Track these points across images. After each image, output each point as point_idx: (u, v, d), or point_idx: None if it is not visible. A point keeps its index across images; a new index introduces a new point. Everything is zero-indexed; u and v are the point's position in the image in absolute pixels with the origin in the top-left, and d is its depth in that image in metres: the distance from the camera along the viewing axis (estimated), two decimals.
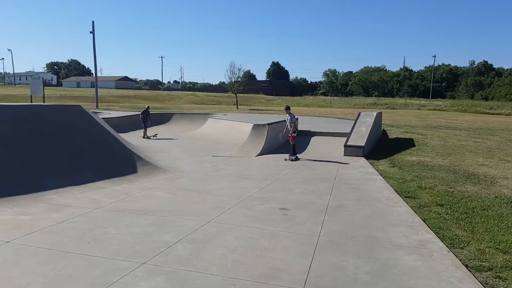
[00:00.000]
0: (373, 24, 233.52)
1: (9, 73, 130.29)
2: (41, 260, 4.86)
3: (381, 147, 16.50)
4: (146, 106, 21.78)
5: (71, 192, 8.15)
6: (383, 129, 21.24)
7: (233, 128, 19.50)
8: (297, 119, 13.96)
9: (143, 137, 19.81)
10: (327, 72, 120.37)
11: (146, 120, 20.24)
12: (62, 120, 10.84)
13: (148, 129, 20.33)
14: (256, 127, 15.56)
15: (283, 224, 6.42)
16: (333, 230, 6.22)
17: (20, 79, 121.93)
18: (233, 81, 51.59)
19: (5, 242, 5.39)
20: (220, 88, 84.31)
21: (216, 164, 12.26)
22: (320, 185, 9.43)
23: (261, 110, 43.96)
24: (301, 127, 20.06)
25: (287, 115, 13.58)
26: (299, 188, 9.06)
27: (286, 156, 13.53)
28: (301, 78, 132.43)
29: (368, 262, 5.03)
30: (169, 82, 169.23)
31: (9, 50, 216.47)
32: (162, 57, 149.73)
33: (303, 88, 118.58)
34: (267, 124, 15.55)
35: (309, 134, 18.79)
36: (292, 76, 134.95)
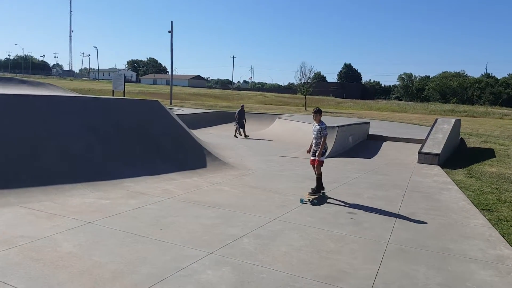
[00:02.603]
0: (453, 28, 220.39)
1: (94, 69, 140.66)
2: (119, 241, 5.21)
3: (458, 156, 15.55)
4: (241, 106, 21.27)
5: (146, 182, 8.62)
6: (461, 138, 20.01)
7: (301, 129, 19.42)
8: (326, 131, 7.97)
9: (236, 136, 19.67)
10: (403, 76, 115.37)
11: (242, 119, 19.99)
12: (141, 113, 11.49)
13: (235, 127, 20.04)
14: None
15: (350, 228, 6.29)
16: (404, 237, 5.97)
17: (103, 75, 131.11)
18: (302, 82, 51.36)
19: (87, 222, 5.85)
20: (289, 89, 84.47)
21: (282, 164, 12.30)
22: (391, 191, 9.10)
23: (330, 112, 43.35)
24: (372, 131, 19.53)
25: (315, 124, 8.06)
26: (368, 193, 8.82)
27: (354, 161, 13.07)
28: (374, 81, 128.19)
29: (439, 273, 4.77)
30: (238, 82, 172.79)
31: (95, 47, 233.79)
32: (233, 57, 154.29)
33: (376, 92, 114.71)
34: (337, 126, 15.30)
35: (381, 139, 18.24)
36: (364, 79, 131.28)
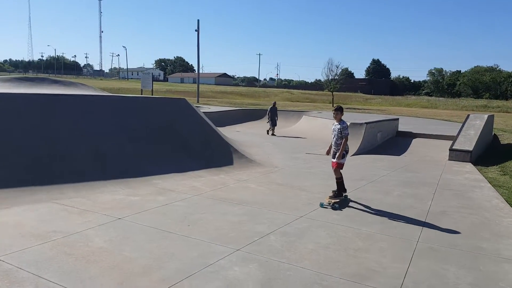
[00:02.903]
0: (485, 21, 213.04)
1: (123, 68, 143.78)
2: (148, 237, 5.30)
3: (491, 153, 15.04)
4: (273, 103, 20.98)
5: (174, 179, 8.74)
6: (494, 134, 19.34)
7: (328, 127, 19.04)
8: (348, 131, 7.32)
9: (268, 133, 19.43)
10: (433, 71, 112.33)
11: (274, 116, 19.67)
12: (169, 112, 11.65)
13: (269, 125, 19.65)
14: (353, 125, 15.14)
15: (379, 226, 6.19)
16: (434, 236, 5.83)
17: (132, 74, 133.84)
18: (329, 78, 50.81)
19: (117, 218, 5.98)
20: (316, 86, 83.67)
21: (309, 161, 12.22)
22: (421, 189, 8.90)
23: (357, 109, 42.76)
24: (402, 127, 19.13)
25: (335, 123, 7.49)
26: (397, 191, 8.65)
27: (382, 158, 12.83)
28: (403, 77, 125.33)
29: (471, 272, 4.64)
30: (265, 79, 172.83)
31: (124, 47, 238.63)
32: (259, 54, 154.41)
33: (405, 87, 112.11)
34: (365, 123, 15.06)
35: (410, 136, 17.86)
36: (393, 75, 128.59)
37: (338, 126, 7.33)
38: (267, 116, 20.08)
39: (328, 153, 7.68)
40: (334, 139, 7.37)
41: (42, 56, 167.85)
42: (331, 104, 49.79)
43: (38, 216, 5.91)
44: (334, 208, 7.00)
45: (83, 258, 4.56)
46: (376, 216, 6.69)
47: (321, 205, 7.14)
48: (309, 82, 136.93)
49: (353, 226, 6.13)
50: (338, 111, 7.37)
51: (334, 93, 52.08)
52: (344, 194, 7.63)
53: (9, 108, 8.37)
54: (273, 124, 19.62)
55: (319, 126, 20.12)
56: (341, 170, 7.43)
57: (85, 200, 6.83)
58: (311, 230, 5.88)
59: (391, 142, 17.14)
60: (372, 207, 7.26)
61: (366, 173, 10.44)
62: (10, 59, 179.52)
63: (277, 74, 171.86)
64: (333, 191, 7.55)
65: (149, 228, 5.63)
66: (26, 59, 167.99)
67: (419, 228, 6.17)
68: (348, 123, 7.69)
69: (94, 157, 8.60)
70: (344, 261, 4.83)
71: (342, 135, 7.24)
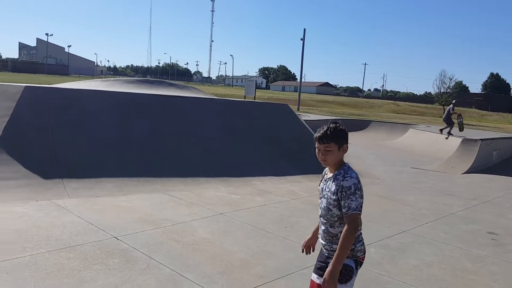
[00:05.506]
0: None
1: (229, 75, 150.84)
2: (246, 234, 5.49)
3: None
4: (452, 102, 20.15)
5: (272, 182, 8.91)
6: None
7: (437, 141, 18.01)
8: (357, 196, 2.58)
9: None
10: None
11: (449, 117, 18.25)
12: (272, 116, 11.93)
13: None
14: (466, 141, 13.99)
15: (491, 249, 5.63)
16: None
17: (236, 81, 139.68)
18: (441, 91, 47.59)
19: (219, 213, 6.29)
20: (425, 98, 78.90)
21: (415, 176, 11.56)
22: None
23: (471, 125, 39.29)
24: None
25: (327, 173, 2.81)
26: None
27: (497, 178, 11.57)
28: None
29: None
30: (369, 90, 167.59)
31: (231, 55, 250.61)
32: (365, 64, 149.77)
33: None
34: (480, 139, 13.81)
35: None
36: None
37: (333, 186, 2.62)
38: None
39: (308, 248, 3.17)
40: (323, 217, 2.73)
41: (158, 63, 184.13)
42: (442, 118, 46.49)
43: (151, 204, 6.48)
44: None
45: (188, 245, 4.88)
46: (488, 238, 6.10)
47: None
48: (418, 94, 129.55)
49: (461, 246, 5.66)
50: (333, 137, 2.64)
51: (445, 107, 48.53)
52: None
53: (132, 106, 9.31)
54: (449, 124, 17.92)
55: (427, 140, 18.94)
56: None
57: (192, 194, 7.30)
58: (415, 246, 5.56)
59: (509, 162, 15.48)
60: (484, 228, 6.62)
61: (479, 193, 9.54)
62: (131, 65, 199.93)
63: (383, 85, 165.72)
64: None
65: (248, 226, 5.83)
66: (145, 65, 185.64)
67: None
68: (354, 177, 2.62)
69: (201, 155, 9.15)
70: (449, 280, 4.48)
71: (343, 210, 2.54)
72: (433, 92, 51.00)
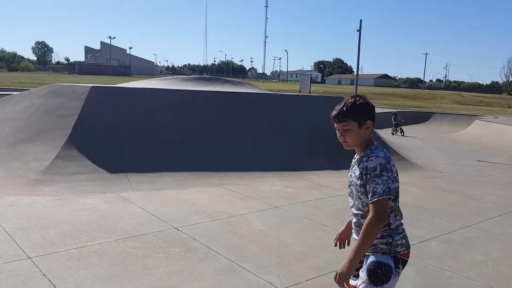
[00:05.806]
0: None
1: (283, 71, 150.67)
2: (302, 227, 5.50)
3: None
4: None
5: (328, 175, 8.82)
6: None
7: (505, 133, 16.91)
8: (387, 177, 2.23)
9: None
10: None
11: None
12: (326, 109, 11.76)
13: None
14: None
15: None
16: None
17: (291, 76, 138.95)
18: (509, 80, 44.40)
19: (275, 207, 6.35)
20: (492, 88, 73.97)
21: (481, 169, 10.93)
22: None
23: None
24: None
25: (354, 158, 2.49)
26: None
27: None
28: None
29: None
30: (431, 80, 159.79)
31: (285, 51, 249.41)
32: (426, 53, 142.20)
33: None
34: None
35: None
36: None
37: (357, 170, 2.31)
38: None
39: (342, 242, 2.93)
40: (354, 207, 2.45)
41: (214, 61, 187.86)
42: (511, 108, 43.37)
43: (209, 197, 6.67)
44: None
45: (245, 237, 4.99)
46: None
47: None
48: (484, 84, 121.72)
49: None
50: (350, 113, 2.28)
51: None
52: None
53: (189, 102, 9.62)
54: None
55: (494, 131, 17.83)
56: None
57: (247, 188, 7.42)
58: (480, 241, 5.28)
59: None
60: None
61: None
62: (188, 64, 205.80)
63: (446, 76, 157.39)
64: None
65: (303, 219, 5.83)
66: (201, 64, 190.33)
67: None
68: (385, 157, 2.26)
69: (256, 149, 9.26)
70: None
71: (369, 196, 2.20)
72: (500, 81, 47.79)
